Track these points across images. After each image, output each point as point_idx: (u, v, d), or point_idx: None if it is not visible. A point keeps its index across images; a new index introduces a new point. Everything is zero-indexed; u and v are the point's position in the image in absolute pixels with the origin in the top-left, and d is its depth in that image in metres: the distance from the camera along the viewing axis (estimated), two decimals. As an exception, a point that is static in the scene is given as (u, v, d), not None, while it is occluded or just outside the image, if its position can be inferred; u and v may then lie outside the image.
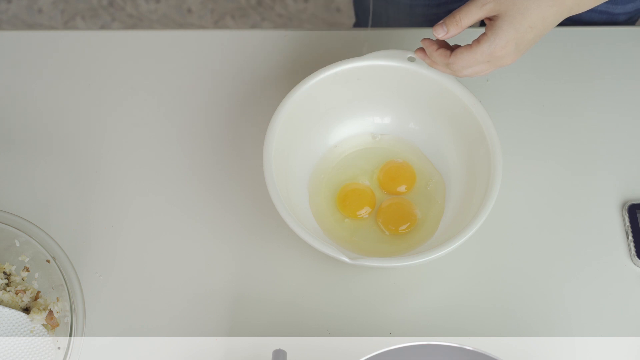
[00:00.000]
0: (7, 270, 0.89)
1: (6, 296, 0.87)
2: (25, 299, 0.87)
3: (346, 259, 0.86)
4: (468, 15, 0.85)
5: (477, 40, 0.84)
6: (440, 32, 0.86)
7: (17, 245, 0.88)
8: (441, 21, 0.86)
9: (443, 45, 0.89)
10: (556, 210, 0.97)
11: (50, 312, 0.87)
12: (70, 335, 0.84)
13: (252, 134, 1.01)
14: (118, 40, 1.08)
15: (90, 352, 0.90)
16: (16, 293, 0.87)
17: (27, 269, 0.89)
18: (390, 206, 0.96)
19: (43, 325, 0.86)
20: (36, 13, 2.02)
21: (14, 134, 1.02)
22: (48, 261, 0.87)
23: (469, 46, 0.85)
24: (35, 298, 0.88)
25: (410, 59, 0.94)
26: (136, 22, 2.01)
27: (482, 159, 0.92)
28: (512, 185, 0.98)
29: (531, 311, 0.92)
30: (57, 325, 0.87)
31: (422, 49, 0.91)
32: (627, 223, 0.96)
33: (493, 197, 0.88)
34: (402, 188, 0.97)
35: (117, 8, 2.02)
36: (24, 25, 2.01)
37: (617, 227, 0.96)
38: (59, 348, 0.86)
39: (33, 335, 0.86)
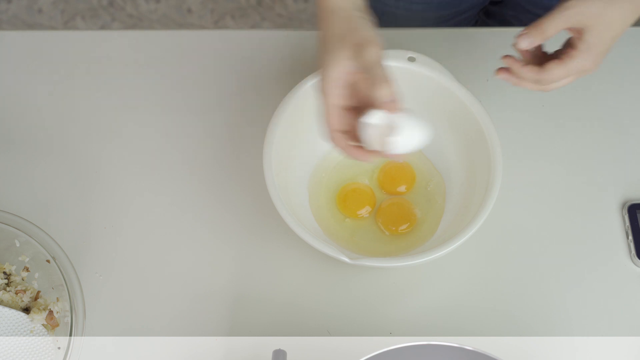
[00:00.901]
0: (7, 270, 0.89)
1: (6, 296, 0.87)
2: (25, 299, 0.87)
3: (346, 259, 0.86)
4: (553, 25, 0.83)
5: (569, 56, 0.83)
6: (524, 43, 0.84)
7: (17, 245, 0.88)
8: (524, 31, 0.84)
9: (529, 58, 0.87)
10: (556, 210, 0.97)
11: (50, 312, 0.87)
12: (70, 335, 0.84)
13: (252, 134, 1.01)
14: (118, 40, 1.08)
15: (90, 352, 0.90)
16: (16, 293, 0.87)
17: (27, 269, 0.89)
18: (390, 206, 0.96)
19: (43, 325, 0.86)
20: (36, 13, 2.02)
21: (14, 134, 1.02)
22: (48, 261, 0.87)
23: (560, 60, 0.84)
24: (35, 298, 0.88)
25: (410, 59, 0.94)
26: (136, 22, 2.01)
27: (482, 159, 0.92)
28: (512, 185, 0.98)
29: (531, 311, 0.92)
30: (57, 325, 0.87)
31: (504, 69, 0.87)
32: (627, 223, 0.96)
33: (493, 197, 0.88)
34: (402, 188, 0.97)
35: (117, 8, 2.02)
36: (24, 25, 2.01)
37: (617, 227, 0.96)
38: (59, 348, 0.86)
39: (33, 335, 0.86)
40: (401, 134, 0.78)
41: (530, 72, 0.85)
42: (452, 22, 1.23)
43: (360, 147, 0.81)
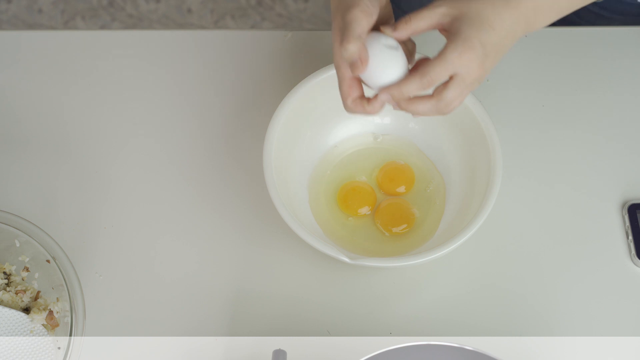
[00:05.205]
0: (7, 270, 0.89)
1: (6, 296, 0.87)
2: (25, 299, 0.87)
3: (346, 259, 0.86)
4: (419, 16, 0.79)
5: (442, 50, 0.78)
6: (387, 29, 0.80)
7: (17, 245, 0.88)
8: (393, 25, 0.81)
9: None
10: (556, 210, 0.97)
11: (50, 312, 0.87)
12: (70, 335, 0.84)
13: (252, 134, 1.01)
14: (118, 40, 1.08)
15: (90, 352, 0.90)
16: (16, 293, 0.87)
17: (27, 269, 0.89)
18: (388, 207, 0.96)
19: (43, 325, 0.86)
20: (36, 13, 2.02)
21: (14, 134, 1.02)
22: (48, 261, 0.87)
23: (435, 57, 0.78)
24: (35, 298, 0.88)
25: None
26: (136, 22, 2.01)
27: (482, 159, 0.92)
28: (512, 185, 0.98)
29: (531, 311, 0.92)
30: (57, 325, 0.87)
31: (385, 91, 0.80)
32: (627, 223, 0.96)
33: (493, 197, 0.88)
34: (401, 189, 0.97)
35: (117, 8, 2.02)
36: (24, 25, 2.00)
37: (617, 227, 0.96)
38: (59, 348, 0.86)
39: (33, 335, 0.86)
40: (384, 67, 0.80)
41: (409, 80, 0.78)
42: None
43: (372, 99, 0.81)
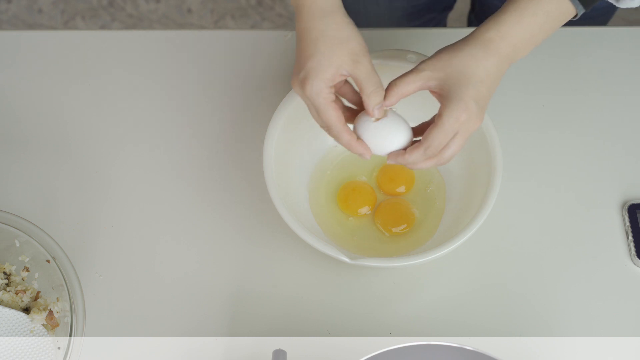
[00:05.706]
0: (7, 270, 0.89)
1: (6, 296, 0.87)
2: (25, 299, 0.87)
3: (346, 259, 0.86)
4: (405, 81, 0.81)
5: (438, 115, 0.80)
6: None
7: (17, 245, 0.88)
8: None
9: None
10: (556, 210, 0.97)
11: (50, 312, 0.87)
12: (70, 335, 0.84)
13: (252, 134, 1.01)
14: (118, 40, 1.08)
15: (90, 352, 0.90)
16: (16, 293, 0.87)
17: (27, 269, 0.89)
18: (387, 207, 0.96)
19: (43, 325, 0.86)
20: (36, 13, 2.02)
21: (14, 134, 1.02)
22: (48, 261, 0.87)
23: (433, 124, 0.80)
24: (35, 298, 0.88)
25: (410, 59, 0.94)
26: (136, 22, 2.01)
27: (482, 160, 0.92)
28: (512, 186, 0.98)
29: (531, 311, 0.92)
30: (57, 325, 0.87)
31: (392, 156, 0.84)
32: (627, 223, 0.96)
33: (493, 197, 0.88)
34: (401, 189, 0.97)
35: (117, 8, 2.02)
36: (24, 25, 2.01)
37: (617, 227, 0.96)
38: (59, 348, 0.86)
39: (33, 335, 0.86)
40: (385, 136, 0.83)
41: (414, 152, 0.82)
42: (424, 19, 1.23)
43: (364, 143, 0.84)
